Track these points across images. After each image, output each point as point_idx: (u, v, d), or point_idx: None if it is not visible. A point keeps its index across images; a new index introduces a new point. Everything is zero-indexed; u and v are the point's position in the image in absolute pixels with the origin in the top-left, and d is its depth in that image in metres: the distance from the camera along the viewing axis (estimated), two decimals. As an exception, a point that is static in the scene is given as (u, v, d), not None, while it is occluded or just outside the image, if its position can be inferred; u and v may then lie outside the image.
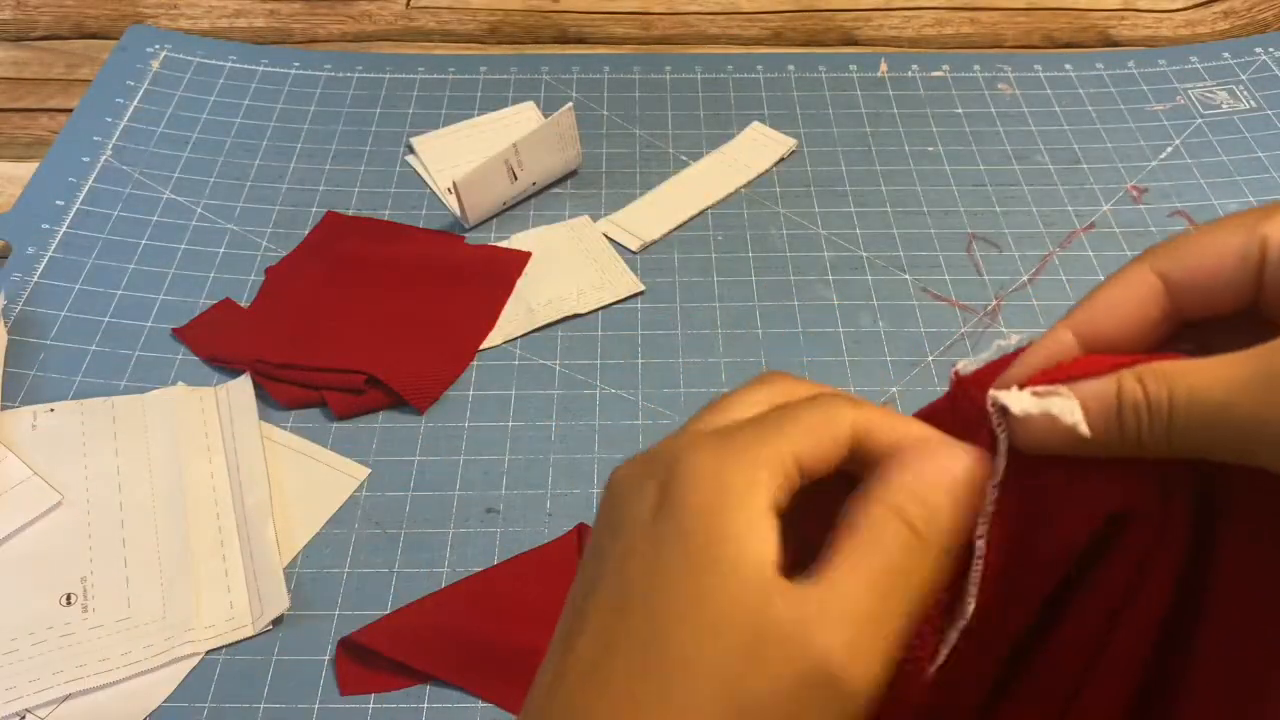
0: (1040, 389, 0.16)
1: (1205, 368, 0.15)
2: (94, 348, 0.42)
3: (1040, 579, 0.17)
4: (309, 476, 0.38)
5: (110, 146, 0.51)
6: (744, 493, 0.16)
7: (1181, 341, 0.17)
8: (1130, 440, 0.15)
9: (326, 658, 0.33)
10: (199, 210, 0.49)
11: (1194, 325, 0.17)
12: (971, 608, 0.16)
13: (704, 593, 0.15)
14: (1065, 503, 0.16)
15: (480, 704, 0.32)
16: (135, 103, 0.54)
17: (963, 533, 0.16)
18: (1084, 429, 0.15)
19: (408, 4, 0.61)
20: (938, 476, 0.16)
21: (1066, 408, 0.15)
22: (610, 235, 0.47)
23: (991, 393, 0.16)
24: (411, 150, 0.52)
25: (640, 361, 0.42)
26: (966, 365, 0.17)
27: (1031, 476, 0.16)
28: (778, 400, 0.18)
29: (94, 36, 0.59)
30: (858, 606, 0.15)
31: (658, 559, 0.16)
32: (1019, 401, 0.16)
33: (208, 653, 0.33)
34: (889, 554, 0.16)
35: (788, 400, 0.17)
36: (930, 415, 0.18)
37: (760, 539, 0.16)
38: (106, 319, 0.44)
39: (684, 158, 0.51)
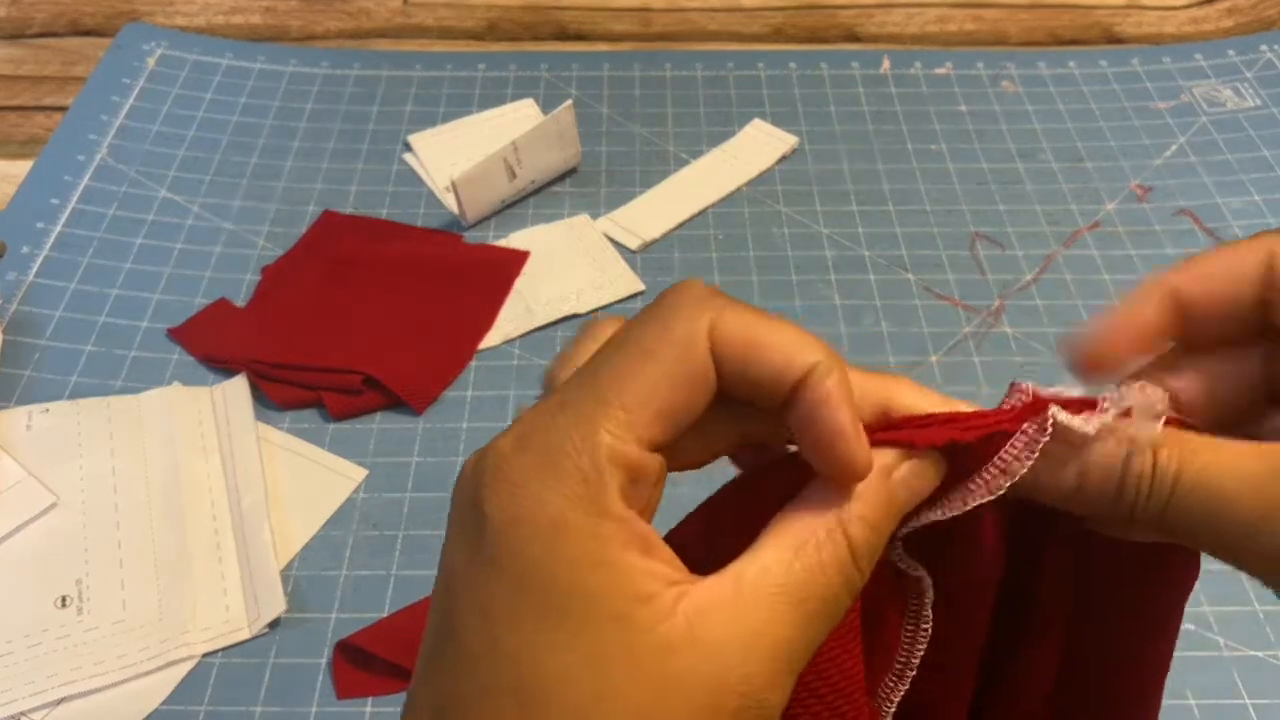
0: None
1: (1224, 451, 0.14)
2: (89, 347, 0.42)
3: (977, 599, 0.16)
4: (306, 477, 0.38)
5: (106, 145, 0.51)
6: (583, 509, 0.13)
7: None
8: (1124, 509, 0.14)
9: (323, 661, 0.33)
10: (195, 209, 0.48)
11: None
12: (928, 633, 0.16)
13: (564, 642, 0.13)
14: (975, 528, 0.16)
15: (479, 708, 0.32)
16: (131, 100, 0.53)
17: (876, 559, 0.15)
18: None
19: (405, 1, 0.61)
20: (883, 486, 0.14)
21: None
22: (610, 234, 0.47)
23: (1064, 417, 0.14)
24: (409, 148, 0.52)
25: (640, 361, 0.42)
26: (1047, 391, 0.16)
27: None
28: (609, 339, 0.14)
29: (89, 34, 0.59)
30: (782, 631, 0.13)
31: (488, 606, 0.13)
32: (1080, 420, 0.14)
33: (204, 656, 0.33)
34: (824, 576, 0.14)
35: (617, 336, 0.14)
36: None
37: (617, 566, 0.13)
38: (102, 318, 0.43)
39: (684, 156, 0.51)
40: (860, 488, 0.14)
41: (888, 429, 0.15)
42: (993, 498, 0.15)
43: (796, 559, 0.14)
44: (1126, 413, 0.15)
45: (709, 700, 0.13)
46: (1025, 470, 0.15)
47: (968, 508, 0.15)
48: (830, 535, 0.14)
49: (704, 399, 0.14)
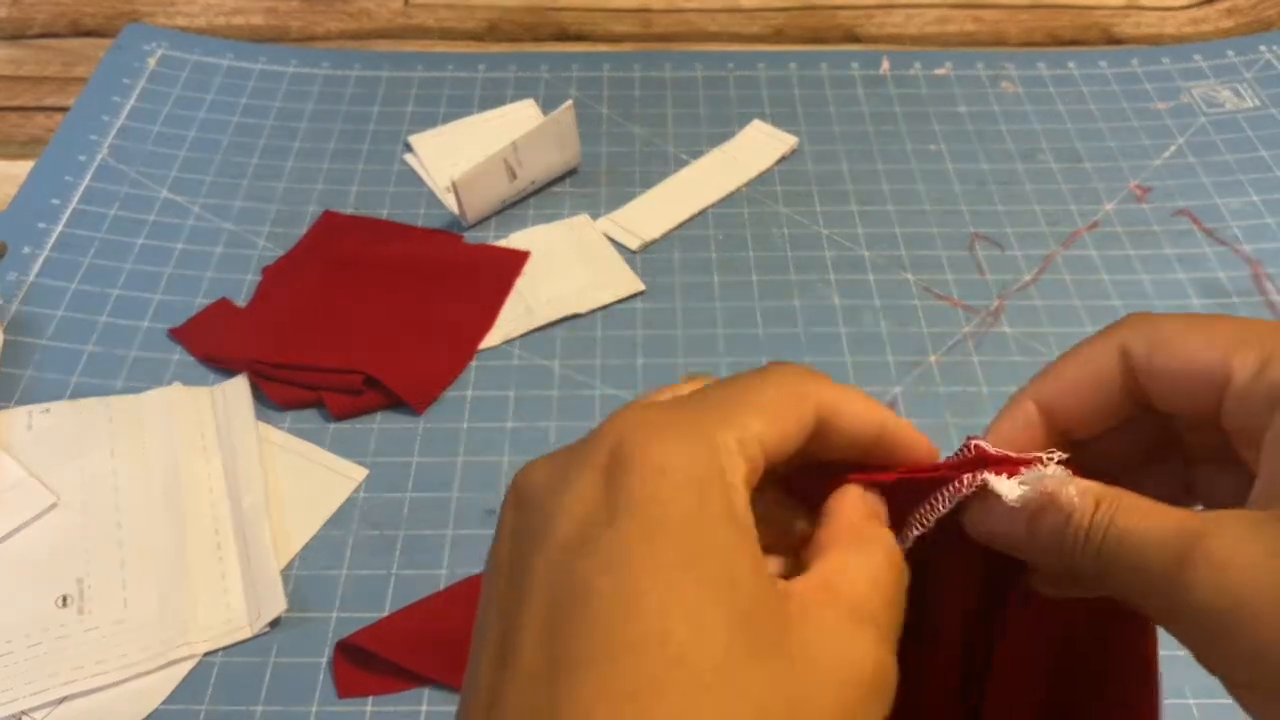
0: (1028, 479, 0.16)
1: (1150, 510, 0.15)
2: (90, 348, 0.42)
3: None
4: (306, 477, 0.38)
5: (107, 145, 0.51)
6: (719, 479, 0.14)
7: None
8: (1066, 557, 0.15)
9: (324, 660, 0.33)
10: (196, 209, 0.48)
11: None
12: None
13: (706, 598, 0.13)
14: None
15: (479, 707, 0.32)
16: (132, 101, 0.53)
17: None
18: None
19: (406, 1, 0.61)
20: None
21: (1065, 492, 0.15)
22: (610, 234, 0.47)
23: (985, 476, 0.16)
24: (410, 149, 0.52)
25: (640, 361, 0.42)
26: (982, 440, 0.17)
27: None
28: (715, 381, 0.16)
29: (90, 34, 0.59)
30: (883, 610, 0.15)
31: (632, 568, 0.13)
32: (1007, 486, 0.16)
33: (205, 655, 0.33)
34: (892, 559, 0.16)
35: (737, 378, 0.16)
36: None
37: (749, 534, 0.14)
38: (103, 319, 0.43)
39: (684, 156, 0.51)
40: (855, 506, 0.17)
41: (868, 475, 0.17)
42: (921, 532, 0.17)
43: (862, 552, 0.16)
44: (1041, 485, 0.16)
45: (842, 675, 0.14)
46: (946, 513, 0.16)
47: (906, 544, 0.17)
48: (880, 529, 0.16)
49: (799, 443, 0.16)
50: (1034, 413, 0.17)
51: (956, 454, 0.17)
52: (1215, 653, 0.14)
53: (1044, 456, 0.16)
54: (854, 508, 0.16)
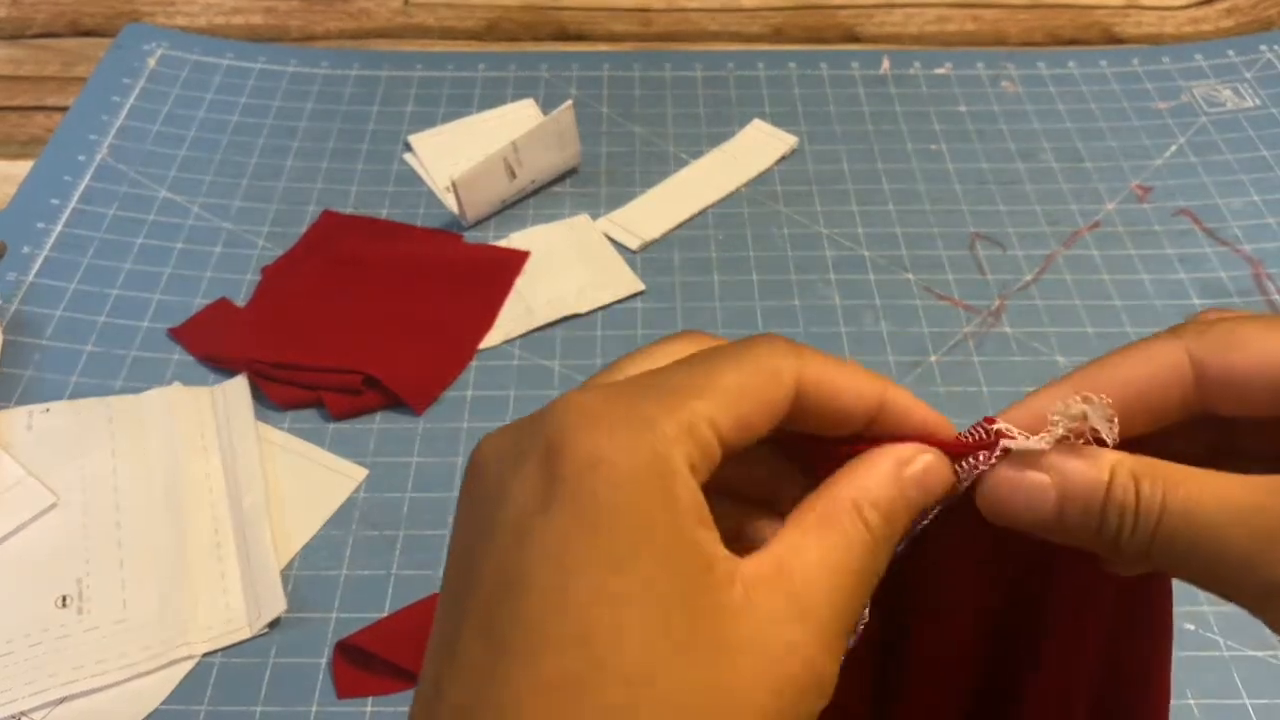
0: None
1: (1208, 482, 0.14)
2: (90, 348, 0.42)
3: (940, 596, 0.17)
4: (306, 477, 0.38)
5: (106, 145, 0.51)
6: (658, 468, 0.13)
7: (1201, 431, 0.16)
8: (1108, 540, 0.14)
9: (324, 660, 0.33)
10: (195, 209, 0.48)
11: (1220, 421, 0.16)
12: (867, 616, 0.16)
13: (635, 594, 0.13)
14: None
15: (479, 708, 0.32)
16: (131, 101, 0.53)
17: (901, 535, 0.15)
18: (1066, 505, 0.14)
19: (406, 1, 0.61)
20: (897, 478, 0.15)
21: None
22: (610, 234, 0.47)
23: (1009, 442, 0.15)
24: (409, 148, 0.52)
25: (640, 361, 0.42)
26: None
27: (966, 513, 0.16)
28: (695, 351, 0.15)
29: (90, 34, 0.59)
30: (826, 603, 0.14)
31: (563, 564, 0.13)
32: (1036, 439, 0.15)
33: (204, 655, 0.33)
34: (853, 552, 0.15)
35: (707, 349, 0.15)
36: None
37: (690, 524, 0.13)
38: (102, 319, 0.43)
39: (684, 156, 0.51)
40: (875, 477, 0.15)
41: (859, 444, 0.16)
42: (927, 521, 0.16)
43: (821, 538, 0.15)
44: (1078, 427, 0.15)
45: (770, 669, 0.13)
46: (967, 484, 0.15)
47: (911, 533, 0.16)
48: (850, 515, 0.15)
49: (768, 426, 0.15)
50: (1185, 378, 0.15)
51: (969, 433, 0.16)
52: None
53: (1054, 412, 0.15)
54: (847, 484, 0.15)
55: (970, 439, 0.16)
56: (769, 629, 0.13)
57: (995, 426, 0.16)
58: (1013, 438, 0.15)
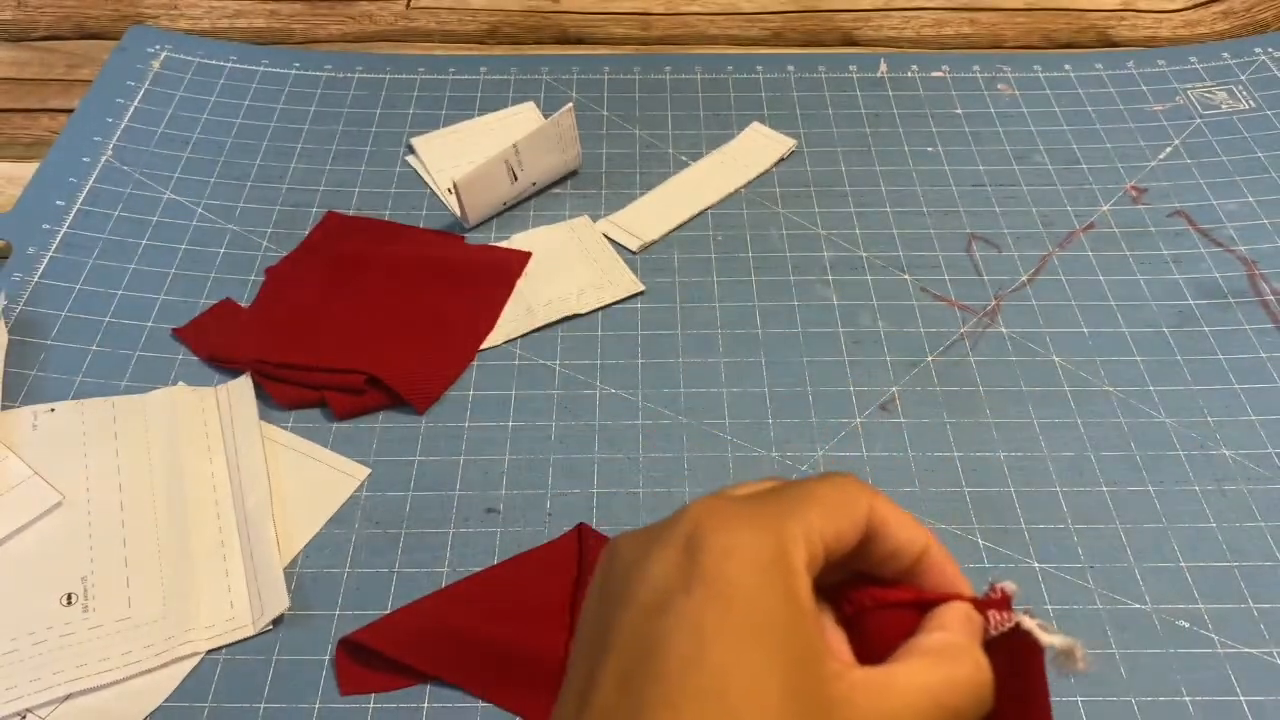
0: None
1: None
2: (94, 348, 0.42)
3: None
4: (309, 476, 0.38)
5: (111, 147, 0.51)
6: (782, 563, 0.16)
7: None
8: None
9: (326, 658, 0.33)
10: (199, 210, 0.49)
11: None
12: None
13: (762, 661, 0.15)
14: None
15: (480, 704, 0.32)
16: (136, 103, 0.54)
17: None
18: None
19: (408, 4, 0.61)
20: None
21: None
22: (610, 235, 0.47)
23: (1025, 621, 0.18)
24: (412, 150, 0.52)
25: (640, 361, 0.42)
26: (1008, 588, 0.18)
27: None
28: (782, 482, 0.18)
29: (94, 37, 0.60)
30: (923, 714, 0.15)
31: (703, 633, 0.15)
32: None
33: (208, 653, 0.33)
34: (958, 689, 0.16)
35: (802, 481, 0.18)
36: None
37: (808, 613, 0.16)
38: (107, 319, 0.44)
39: (684, 158, 0.51)
40: (973, 630, 0.17)
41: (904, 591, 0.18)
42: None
43: (937, 667, 0.16)
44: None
45: None
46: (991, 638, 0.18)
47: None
48: (966, 651, 0.17)
49: (853, 544, 0.17)
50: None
51: (985, 595, 0.18)
52: None
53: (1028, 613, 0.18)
54: (961, 624, 0.17)
55: (986, 598, 0.18)
56: None
57: (1002, 584, 0.18)
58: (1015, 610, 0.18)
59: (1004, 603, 0.18)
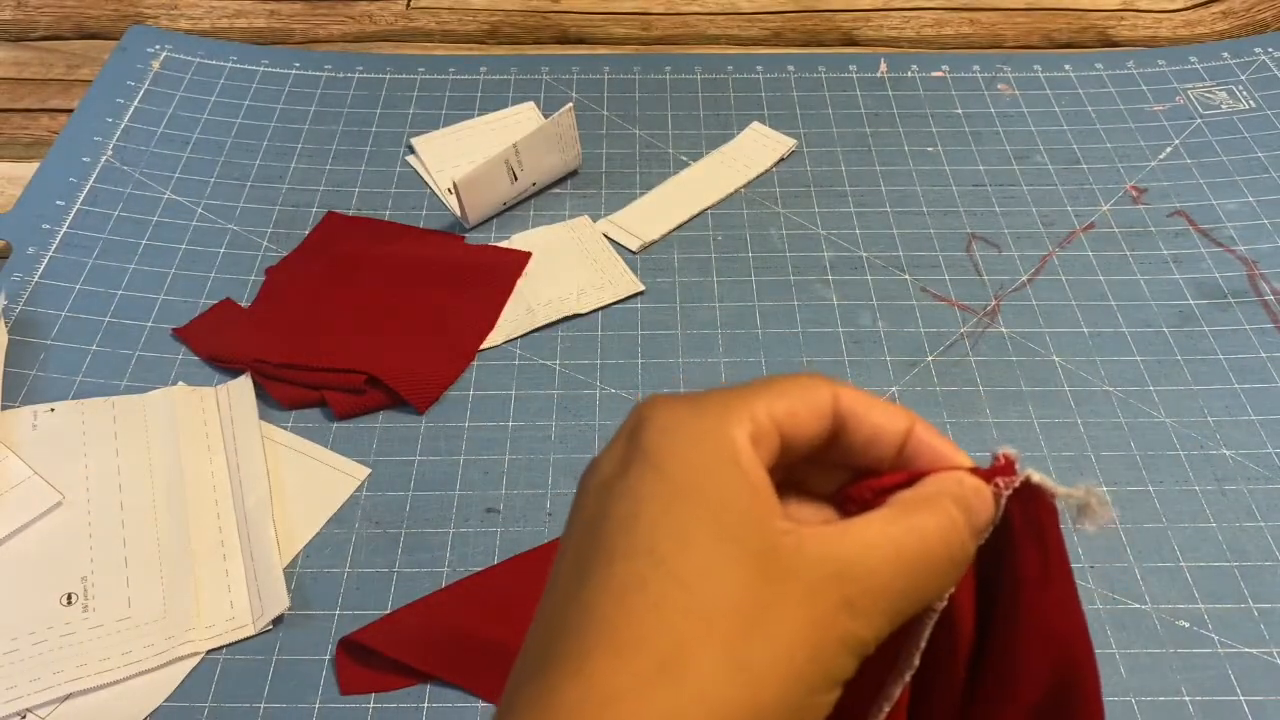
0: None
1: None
2: (94, 348, 0.42)
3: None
4: (309, 476, 0.38)
5: (111, 146, 0.51)
6: (722, 433, 0.16)
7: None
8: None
9: (327, 657, 0.33)
10: (199, 210, 0.49)
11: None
12: (918, 658, 0.17)
13: (694, 517, 0.15)
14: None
15: (480, 703, 0.32)
16: (136, 103, 0.54)
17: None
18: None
19: (408, 4, 0.61)
20: (962, 487, 0.17)
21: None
22: (610, 235, 0.47)
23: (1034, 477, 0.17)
24: (412, 150, 0.52)
25: (640, 361, 0.42)
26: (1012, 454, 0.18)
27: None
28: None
29: (94, 37, 0.60)
30: (880, 578, 0.15)
31: (637, 497, 0.15)
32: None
33: (208, 652, 0.33)
34: (929, 538, 0.16)
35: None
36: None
37: (749, 476, 0.15)
38: (107, 319, 0.44)
39: (684, 158, 0.51)
40: (950, 483, 0.17)
41: (898, 475, 0.18)
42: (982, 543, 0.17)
43: (902, 519, 0.16)
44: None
45: (809, 597, 0.15)
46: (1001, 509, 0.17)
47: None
48: (935, 503, 0.16)
49: (817, 428, 0.17)
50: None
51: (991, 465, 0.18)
52: None
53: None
54: (930, 484, 0.17)
55: (992, 468, 0.17)
56: (813, 570, 0.15)
57: (1002, 449, 0.17)
58: (1017, 472, 0.17)
59: (1008, 468, 0.17)
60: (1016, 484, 0.17)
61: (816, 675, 0.14)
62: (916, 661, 0.17)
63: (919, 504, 0.16)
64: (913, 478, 0.17)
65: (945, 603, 0.17)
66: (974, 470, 0.17)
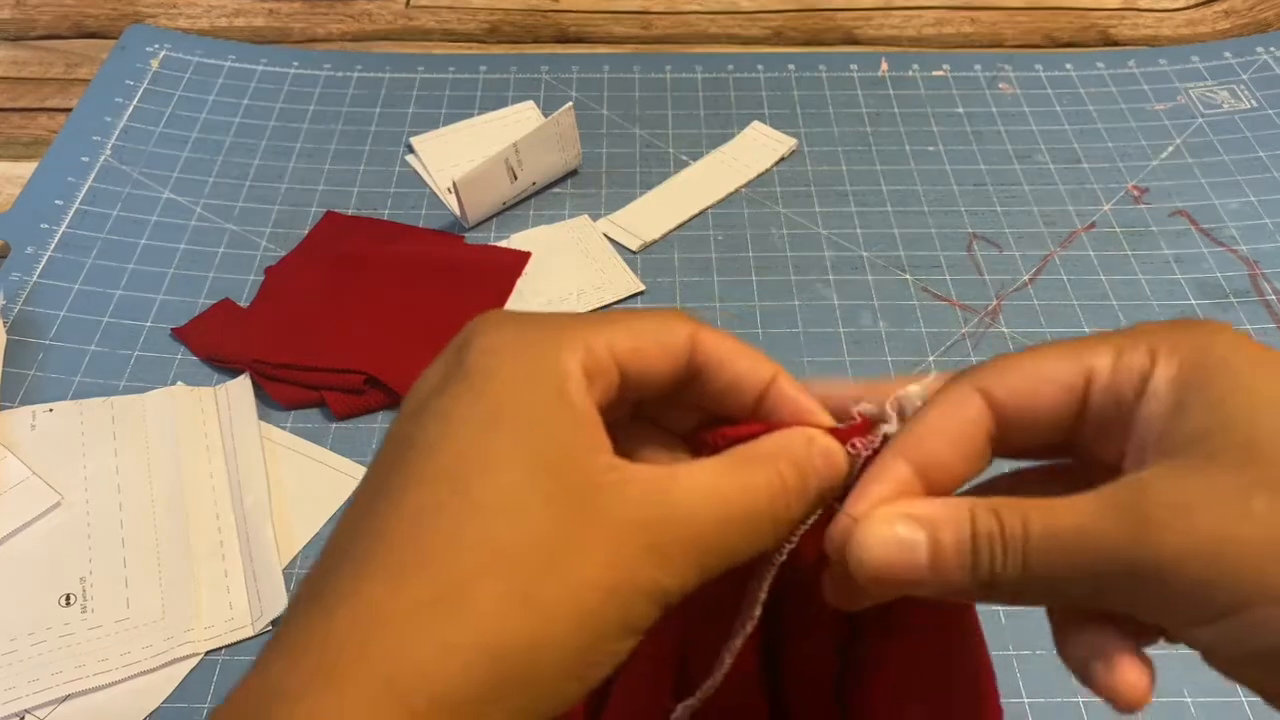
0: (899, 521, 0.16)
1: (1058, 502, 0.15)
2: (93, 348, 0.42)
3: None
4: (308, 477, 0.38)
5: (109, 146, 0.51)
6: (549, 360, 0.15)
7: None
8: (982, 576, 0.15)
9: (326, 658, 0.33)
10: (198, 210, 0.49)
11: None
12: (757, 615, 0.16)
13: (507, 446, 0.14)
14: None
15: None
16: (134, 102, 0.54)
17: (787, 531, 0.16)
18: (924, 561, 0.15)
19: (407, 3, 0.61)
20: (809, 447, 0.16)
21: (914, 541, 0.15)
22: (610, 235, 0.47)
23: (850, 513, 0.16)
24: (411, 150, 0.52)
25: (640, 361, 0.42)
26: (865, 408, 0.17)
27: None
28: None
29: (93, 36, 0.59)
30: (700, 526, 0.14)
31: (449, 419, 0.14)
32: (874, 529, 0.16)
33: (207, 653, 0.33)
34: (756, 495, 0.15)
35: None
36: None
37: (572, 408, 0.15)
38: (106, 319, 0.44)
39: (684, 157, 0.51)
40: (792, 441, 0.16)
41: (745, 427, 0.17)
42: (817, 514, 0.17)
43: (732, 472, 0.15)
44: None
45: (617, 550, 0.14)
46: (858, 471, 0.16)
47: (805, 526, 0.16)
48: (769, 461, 0.16)
49: (666, 367, 0.16)
50: (906, 472, 0.16)
51: (847, 424, 0.17)
52: (1201, 602, 0.14)
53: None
54: (767, 441, 0.16)
55: (849, 427, 0.17)
56: (627, 510, 0.14)
57: (860, 408, 0.17)
58: (885, 424, 0.16)
59: (864, 427, 0.16)
60: (876, 445, 0.16)
61: (611, 620, 0.14)
62: (756, 614, 0.16)
63: (753, 459, 0.16)
64: (769, 430, 0.16)
65: (784, 557, 0.16)
66: (832, 430, 0.17)
